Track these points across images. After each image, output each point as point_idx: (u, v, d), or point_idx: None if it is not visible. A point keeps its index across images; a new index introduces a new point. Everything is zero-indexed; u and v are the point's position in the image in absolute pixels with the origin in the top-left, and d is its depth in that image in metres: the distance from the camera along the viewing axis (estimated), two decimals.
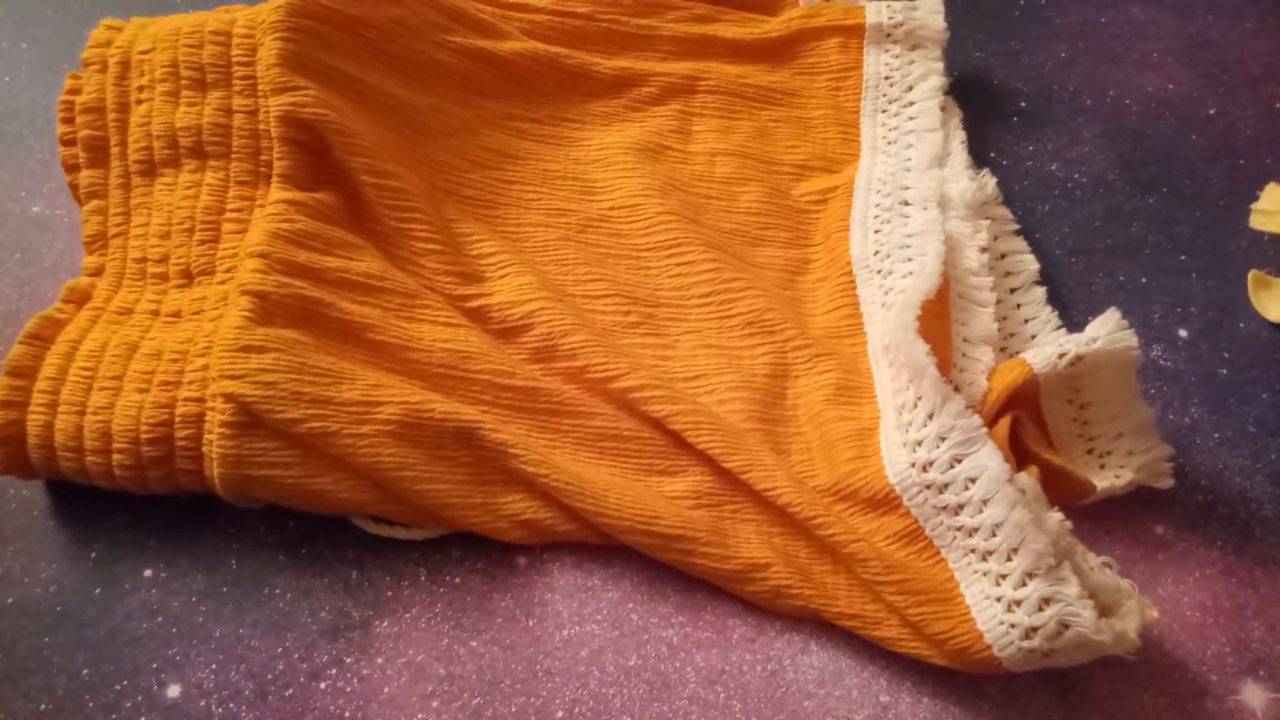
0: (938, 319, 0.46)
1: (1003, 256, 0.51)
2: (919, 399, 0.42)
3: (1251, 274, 0.52)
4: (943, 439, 0.41)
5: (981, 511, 0.40)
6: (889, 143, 0.53)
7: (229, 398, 0.40)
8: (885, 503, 0.42)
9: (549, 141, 0.52)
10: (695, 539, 0.42)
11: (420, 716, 0.40)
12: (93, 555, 0.43)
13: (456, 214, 0.48)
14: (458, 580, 0.43)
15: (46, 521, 0.43)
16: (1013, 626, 0.38)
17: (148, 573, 0.43)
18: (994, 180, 0.52)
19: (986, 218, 0.51)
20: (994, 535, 0.39)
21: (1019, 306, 0.49)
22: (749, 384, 0.46)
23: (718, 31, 0.55)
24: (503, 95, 0.52)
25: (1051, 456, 0.44)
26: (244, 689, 0.40)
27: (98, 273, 0.46)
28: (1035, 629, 0.38)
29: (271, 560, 0.43)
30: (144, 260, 0.46)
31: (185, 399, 0.41)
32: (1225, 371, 0.50)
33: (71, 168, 0.47)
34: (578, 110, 0.53)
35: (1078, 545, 0.40)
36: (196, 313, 0.44)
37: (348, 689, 0.40)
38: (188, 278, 0.45)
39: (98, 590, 0.42)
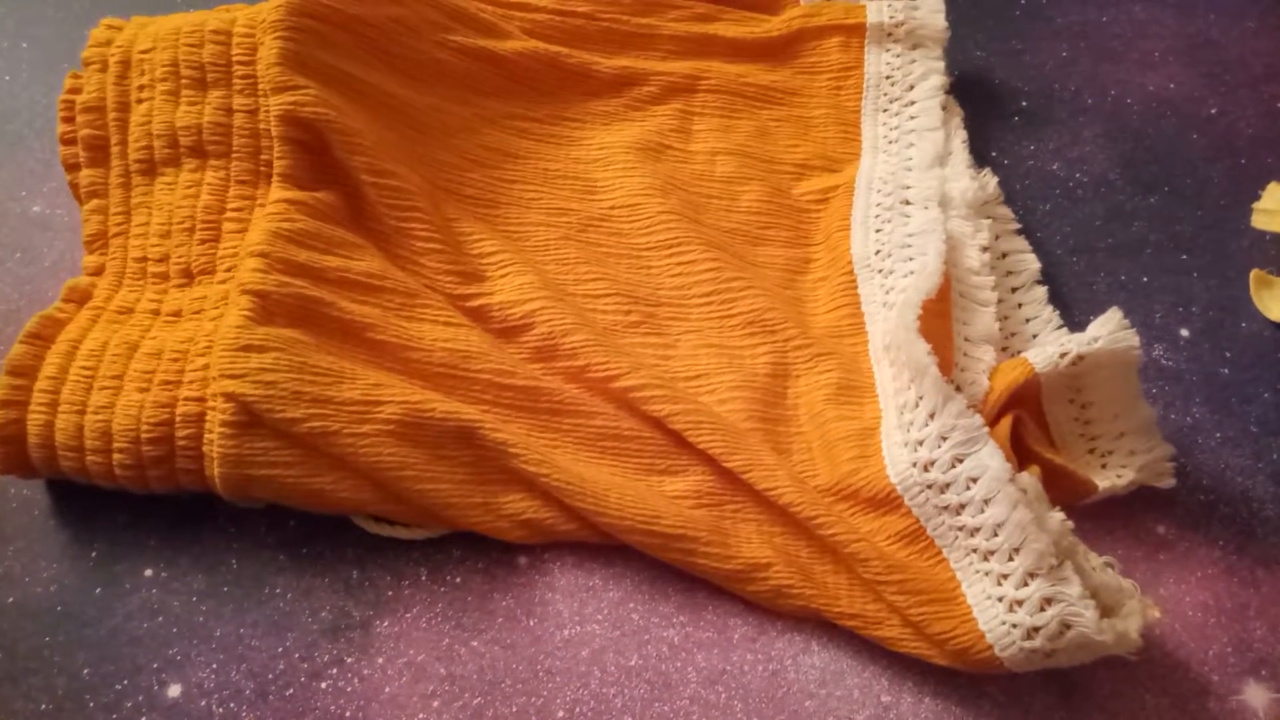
0: (939, 318, 0.46)
1: (1004, 256, 0.51)
2: (920, 398, 0.42)
3: (1253, 273, 0.52)
4: (944, 438, 0.41)
5: (983, 511, 0.39)
6: (890, 142, 0.53)
7: (229, 397, 0.40)
8: (886, 502, 0.42)
9: (550, 141, 0.52)
10: (696, 539, 0.42)
11: (421, 716, 0.40)
12: (93, 555, 0.43)
13: (457, 213, 0.48)
14: (458, 580, 0.43)
15: (47, 521, 0.43)
16: (1014, 626, 0.38)
17: (148, 572, 0.42)
18: (995, 179, 0.52)
19: (988, 217, 0.51)
20: (996, 535, 0.39)
21: (1020, 306, 0.49)
22: (750, 383, 0.46)
23: (718, 30, 0.55)
24: (503, 94, 0.52)
25: (1053, 456, 0.44)
26: (245, 689, 0.40)
27: (98, 272, 0.46)
28: (1037, 629, 0.38)
29: (272, 560, 0.43)
30: (144, 259, 0.46)
31: (186, 398, 0.41)
32: (1227, 371, 0.49)
33: (72, 167, 0.47)
34: (578, 109, 0.53)
35: (1079, 545, 0.40)
36: (197, 312, 0.44)
37: (348, 689, 0.40)
38: (188, 277, 0.45)
39: (98, 590, 0.42)
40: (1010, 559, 0.39)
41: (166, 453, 0.41)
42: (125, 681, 0.40)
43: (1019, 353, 0.46)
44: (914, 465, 0.41)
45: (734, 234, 0.50)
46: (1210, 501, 0.46)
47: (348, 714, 0.40)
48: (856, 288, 0.48)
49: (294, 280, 0.43)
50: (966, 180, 0.50)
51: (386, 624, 0.42)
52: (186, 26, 0.47)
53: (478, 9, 0.52)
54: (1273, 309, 0.51)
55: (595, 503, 0.42)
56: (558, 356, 0.45)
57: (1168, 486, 0.44)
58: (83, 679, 0.40)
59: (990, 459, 0.40)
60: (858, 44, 0.55)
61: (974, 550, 0.40)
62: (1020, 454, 0.43)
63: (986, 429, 0.41)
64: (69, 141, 0.47)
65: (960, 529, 0.40)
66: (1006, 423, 0.43)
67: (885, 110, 0.54)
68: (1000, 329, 0.47)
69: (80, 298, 0.45)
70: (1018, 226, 0.52)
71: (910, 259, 0.47)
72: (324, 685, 0.40)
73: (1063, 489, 0.43)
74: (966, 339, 0.46)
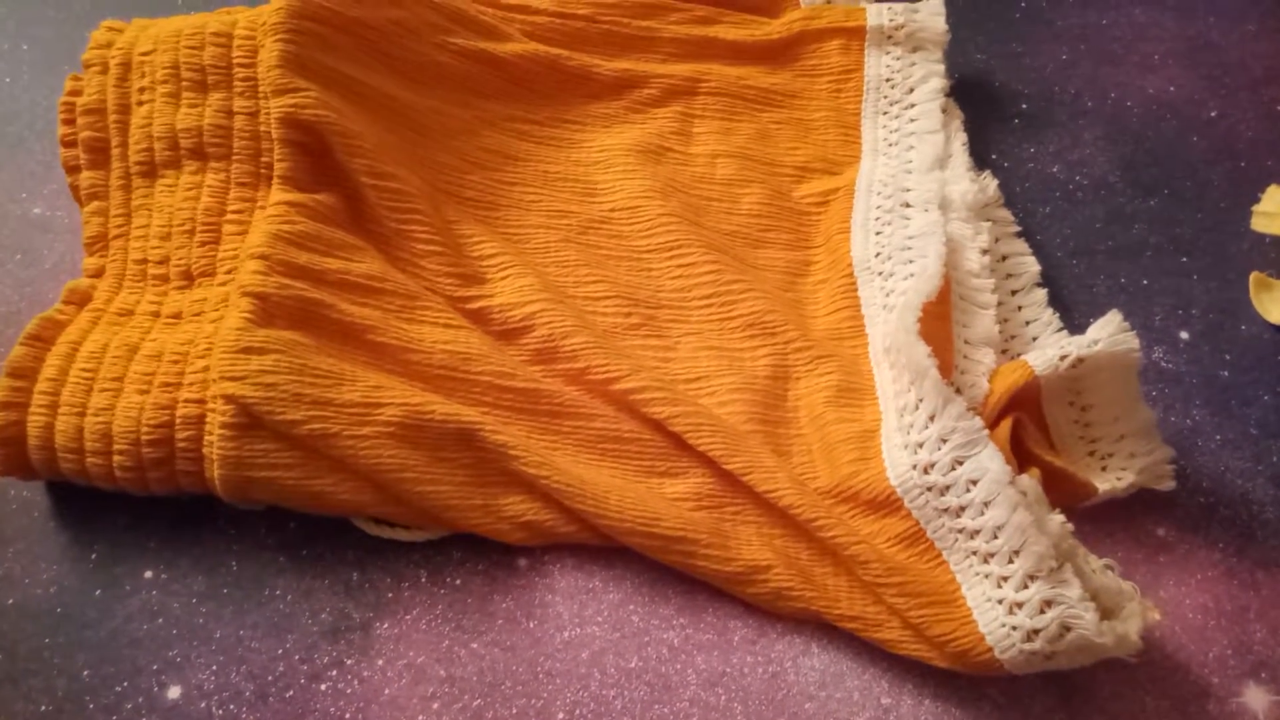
0: (939, 321, 0.46)
1: (1004, 258, 0.51)
2: (920, 401, 0.42)
3: (1253, 276, 0.52)
4: (944, 441, 0.41)
5: (983, 514, 0.39)
6: (890, 144, 0.53)
7: (229, 399, 0.40)
8: (886, 505, 0.42)
9: (550, 143, 0.52)
10: (696, 541, 0.42)
11: (421, 718, 0.40)
12: (93, 556, 0.43)
13: (457, 215, 0.48)
14: (458, 582, 0.43)
15: (47, 523, 0.43)
16: (1014, 629, 0.38)
17: (148, 574, 0.42)
18: (995, 182, 0.52)
19: (988, 219, 0.51)
20: (995, 537, 0.39)
21: (1020, 308, 0.49)
22: (750, 386, 0.46)
23: (719, 33, 0.55)
24: (503, 97, 0.52)
25: (1053, 459, 0.44)
26: (244, 690, 0.40)
27: (98, 274, 0.46)
28: (1037, 631, 0.38)
29: (272, 562, 0.43)
30: (144, 262, 0.46)
31: (186, 400, 0.41)
32: (1227, 373, 0.49)
33: (72, 169, 0.47)
34: (578, 112, 0.53)
35: (1079, 547, 0.40)
36: (197, 314, 0.44)
37: (348, 690, 0.40)
38: (188, 279, 0.45)
39: (98, 591, 0.42)
40: (1010, 561, 0.39)
41: (166, 455, 0.41)
42: (125, 683, 0.40)
43: (1019, 355, 0.46)
44: (914, 467, 0.41)
45: (734, 236, 0.50)
46: (1210, 504, 0.46)
47: (347, 716, 0.40)
48: (856, 290, 0.48)
49: (294, 282, 0.43)
50: (966, 183, 0.51)
51: (386, 626, 0.42)
52: (187, 29, 0.47)
53: (478, 11, 0.52)
54: (1272, 311, 0.51)
55: (595, 505, 0.42)
56: (558, 359, 0.45)
57: (1168, 489, 0.44)
58: (83, 680, 0.40)
59: (990, 461, 0.40)
60: (858, 47, 0.55)
61: (974, 552, 0.40)
62: (1020, 456, 0.43)
63: (986, 431, 0.41)
64: (69, 144, 0.47)
65: (960, 531, 0.40)
66: (1006, 425, 0.43)
67: (885, 113, 0.54)
68: (1000, 331, 0.47)
69: (80, 300, 0.45)
70: (1018, 229, 0.52)
71: (910, 261, 0.47)
72: (324, 687, 0.40)
73: (1063, 491, 0.43)
74: (966, 341, 0.46)
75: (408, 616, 0.42)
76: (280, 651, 0.41)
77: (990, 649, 0.38)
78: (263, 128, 0.46)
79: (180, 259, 0.45)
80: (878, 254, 0.49)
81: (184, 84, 0.47)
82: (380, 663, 0.41)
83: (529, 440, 0.43)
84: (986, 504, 0.39)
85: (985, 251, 0.48)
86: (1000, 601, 0.39)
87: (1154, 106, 0.58)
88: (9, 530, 0.43)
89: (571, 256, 0.49)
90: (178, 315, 0.44)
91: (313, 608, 0.42)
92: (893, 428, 0.43)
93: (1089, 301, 0.51)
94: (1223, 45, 0.61)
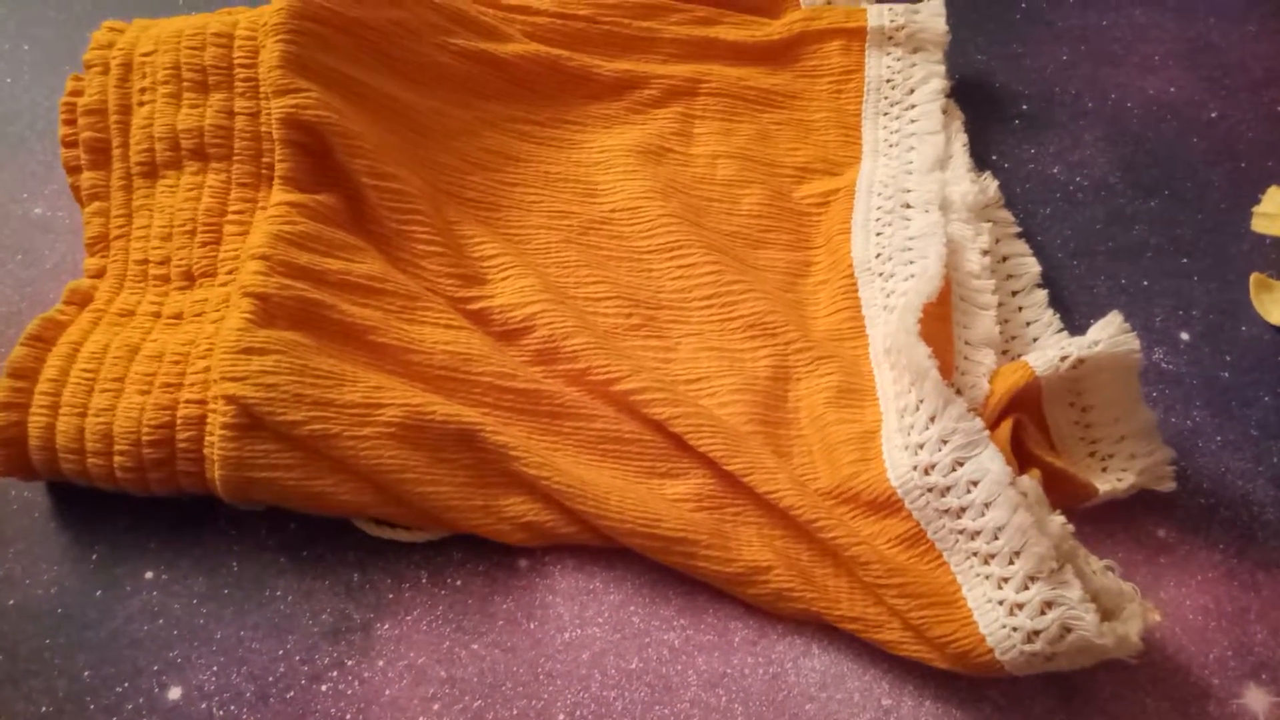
0: (939, 322, 0.46)
1: (1004, 259, 0.51)
2: (921, 402, 0.42)
3: (1253, 277, 0.52)
4: (945, 442, 0.41)
5: (983, 515, 0.39)
6: (890, 145, 0.53)
7: (230, 400, 0.40)
8: (887, 506, 0.42)
9: (550, 144, 0.52)
10: (697, 542, 0.42)
11: (421, 719, 0.40)
12: (94, 557, 0.43)
13: (458, 216, 0.48)
14: (459, 583, 0.43)
15: (48, 523, 0.43)
16: (1015, 630, 0.38)
17: (149, 574, 0.42)
18: (995, 183, 0.52)
19: (988, 220, 0.51)
20: (996, 538, 0.39)
21: (1021, 309, 0.49)
22: (750, 386, 0.46)
23: (719, 34, 0.55)
24: (504, 97, 0.52)
25: (1053, 459, 0.44)
26: (245, 691, 0.40)
27: (99, 274, 0.46)
28: (1037, 632, 0.38)
29: (273, 562, 0.43)
30: (145, 262, 0.46)
31: (187, 401, 0.41)
32: (1227, 374, 0.49)
33: (73, 169, 0.47)
34: (579, 113, 0.53)
35: (1080, 548, 0.40)
36: (198, 315, 0.44)
37: (349, 691, 0.40)
38: (189, 280, 0.45)
39: (99, 592, 0.42)
40: (1011, 562, 0.39)
41: (167, 455, 0.41)
42: (126, 684, 0.40)
43: (1019, 356, 0.46)
44: (914, 468, 0.41)
45: (735, 237, 0.50)
46: (1211, 505, 0.46)
47: (348, 717, 0.40)
48: (857, 291, 0.48)
49: (295, 283, 0.43)
50: (967, 184, 0.51)
51: (387, 627, 0.42)
52: (188, 29, 0.47)
53: (479, 12, 0.52)
54: (1273, 312, 0.51)
55: (596, 506, 0.42)
56: (558, 359, 0.45)
57: (1168, 490, 0.44)
58: (83, 681, 0.40)
59: (991, 462, 0.40)
60: (858, 48, 0.55)
61: (974, 554, 0.40)
62: (1021, 457, 0.43)
63: (987, 432, 0.41)
64: (70, 144, 0.47)
65: (961, 532, 0.40)
66: (1007, 426, 0.43)
67: (886, 114, 0.54)
68: (1001, 332, 0.47)
69: (81, 300, 0.45)
70: (1018, 230, 0.52)
71: (911, 262, 0.47)
72: (324, 688, 0.40)
73: (1063, 492, 0.43)
74: (967, 342, 0.46)
75: (408, 617, 0.42)
76: (281, 652, 0.41)
77: (991, 650, 0.38)
78: (264, 128, 0.46)
79: (181, 259, 0.45)
80: (878, 255, 0.49)
81: (185, 84, 0.47)
82: (381, 663, 0.41)
83: (530, 441, 0.43)
84: (987, 505, 0.39)
85: (986, 252, 0.48)
86: (1001, 603, 0.39)
87: (1154, 107, 0.58)
88: (10, 531, 0.43)
89: (572, 257, 0.49)
90: (179, 316, 0.44)
91: (313, 608, 0.42)
92: (893, 429, 0.43)
93: (1089, 302, 0.51)
94: (1223, 46, 0.61)
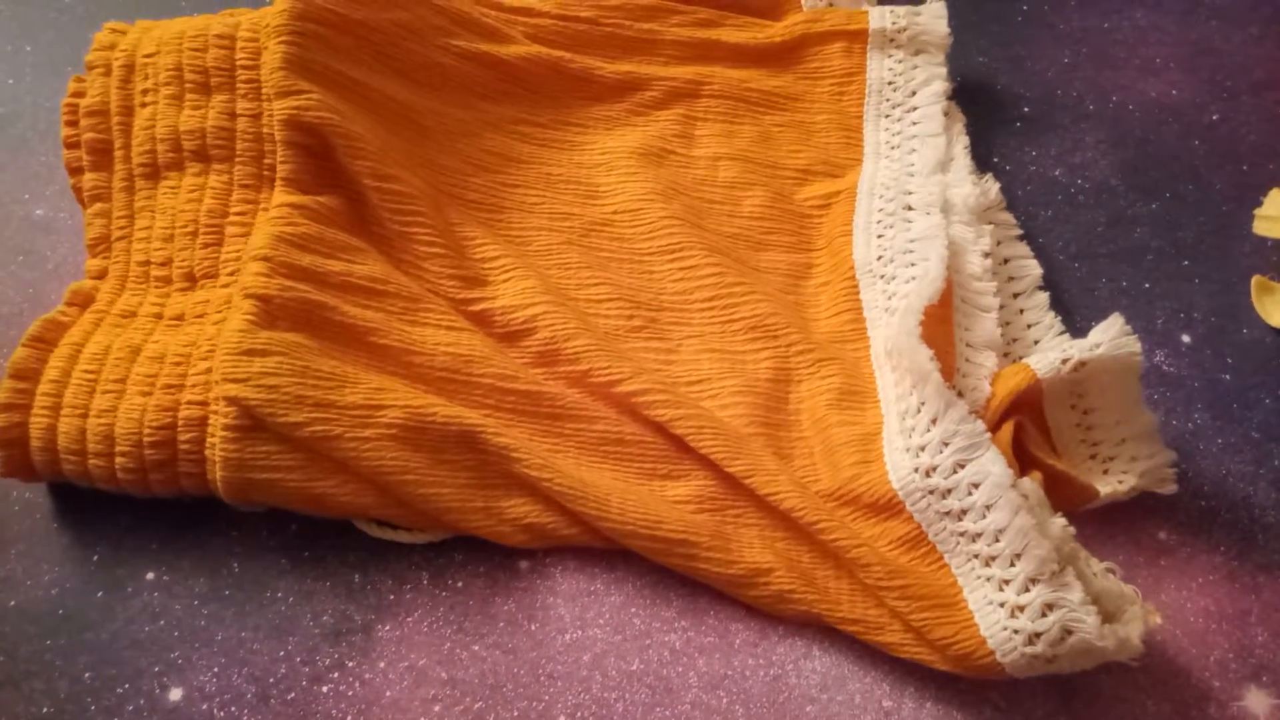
0: (941, 324, 0.46)
1: (1005, 261, 0.51)
2: (922, 404, 0.42)
3: (1254, 279, 0.52)
4: (946, 444, 0.41)
5: (985, 517, 0.39)
6: (892, 148, 0.53)
7: (232, 401, 0.40)
8: (888, 508, 0.42)
9: (552, 145, 0.52)
10: (698, 543, 0.42)
11: None
12: (95, 558, 0.43)
13: (459, 218, 0.48)
14: (460, 584, 0.43)
15: (49, 524, 0.43)
16: (1016, 632, 0.38)
17: (150, 575, 0.43)
18: (997, 185, 0.52)
19: (989, 223, 0.51)
20: (997, 541, 0.39)
21: (1022, 311, 0.49)
22: (752, 388, 0.46)
23: (721, 36, 0.55)
24: (506, 99, 0.52)
25: (1055, 462, 0.44)
26: (246, 692, 0.40)
27: (101, 276, 0.46)
28: (1038, 635, 0.38)
29: (274, 563, 0.43)
30: (147, 263, 0.46)
31: (188, 402, 0.41)
32: (1228, 377, 0.49)
33: (75, 170, 0.47)
34: (581, 114, 0.53)
35: (1081, 551, 0.40)
36: (199, 316, 0.44)
37: (350, 693, 0.40)
38: (191, 281, 0.45)
39: (100, 593, 0.42)
40: (1012, 565, 0.39)
41: (169, 456, 0.41)
42: (127, 685, 0.40)
43: (1021, 358, 0.46)
44: (916, 471, 0.41)
45: (736, 239, 0.50)
46: (1211, 507, 0.46)
47: (349, 718, 0.40)
48: (858, 293, 0.48)
49: (297, 284, 0.43)
50: (968, 186, 0.51)
51: (388, 628, 0.42)
52: (190, 30, 0.47)
53: (481, 13, 0.52)
54: (1274, 315, 0.51)
55: (597, 507, 0.42)
56: (560, 361, 0.45)
57: (1169, 492, 0.44)
58: (84, 682, 0.40)
59: (992, 465, 0.40)
60: (860, 50, 0.55)
61: (976, 556, 0.40)
62: (1022, 460, 0.43)
63: (988, 435, 0.41)
64: (72, 145, 0.47)
65: (962, 534, 0.40)
66: (1008, 428, 0.43)
67: (887, 116, 0.54)
68: (1002, 334, 0.47)
69: (83, 301, 0.45)
70: (1019, 232, 0.52)
71: (912, 264, 0.47)
72: (325, 689, 0.40)
73: (1064, 495, 0.43)
74: (968, 344, 0.46)
75: (409, 619, 0.42)
76: (282, 653, 0.41)
77: (992, 652, 0.38)
78: (266, 130, 0.46)
79: (183, 261, 0.45)
80: (879, 257, 0.49)
81: (187, 86, 0.47)
82: (382, 665, 0.41)
83: (531, 443, 0.43)
84: (988, 507, 0.39)
85: (987, 254, 0.48)
86: (1002, 605, 0.39)
87: (1156, 110, 0.58)
88: (11, 532, 0.43)
89: (574, 259, 0.49)
90: (180, 317, 0.44)
91: (314, 610, 0.42)
92: (894, 431, 0.43)
93: (1091, 305, 0.51)
94: (1224, 49, 0.61)
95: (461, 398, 0.44)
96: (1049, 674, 0.39)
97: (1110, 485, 0.44)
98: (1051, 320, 0.49)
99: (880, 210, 0.50)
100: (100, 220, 0.46)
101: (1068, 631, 0.37)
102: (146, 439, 0.41)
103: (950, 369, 0.45)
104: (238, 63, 0.46)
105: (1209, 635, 0.43)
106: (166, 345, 0.43)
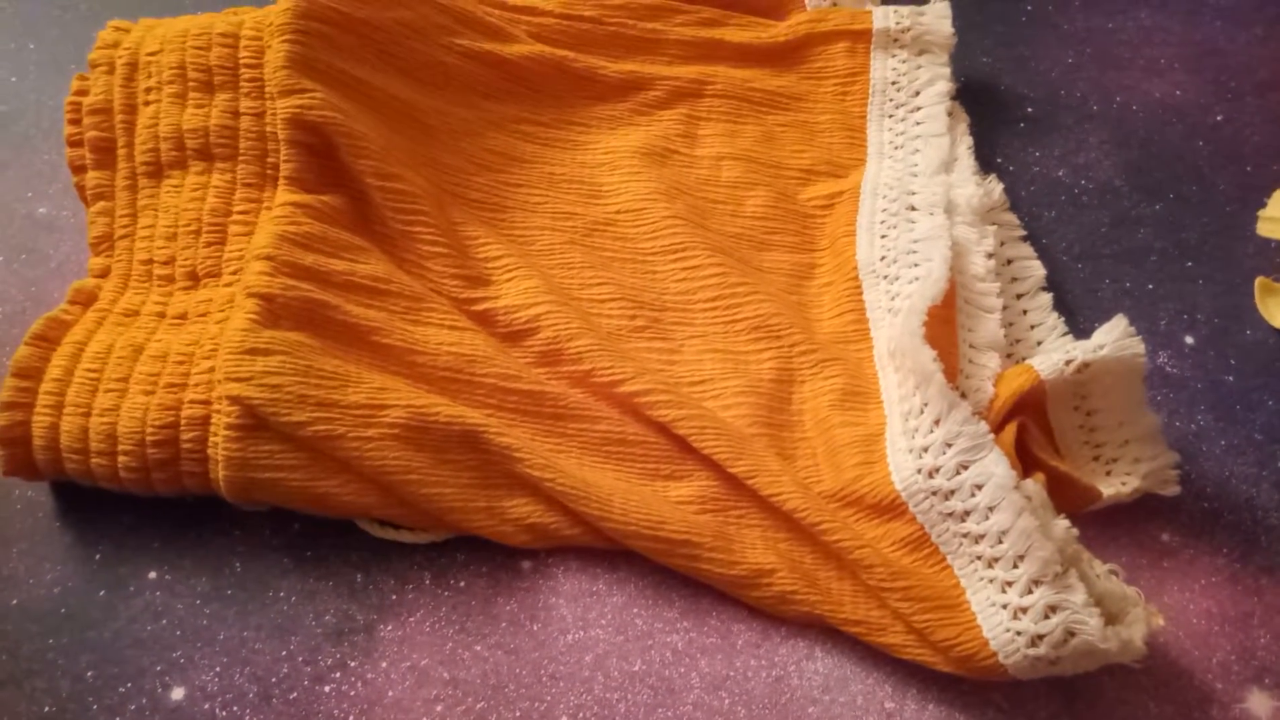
0: (944, 324, 0.46)
1: (1009, 262, 0.51)
2: (925, 405, 0.42)
3: (1258, 281, 0.52)
4: (949, 445, 0.41)
5: (988, 518, 0.39)
6: (895, 148, 0.53)
7: (234, 400, 0.40)
8: (891, 509, 0.42)
9: (555, 145, 0.52)
10: (700, 544, 0.42)
11: None
12: (97, 557, 0.43)
13: (463, 217, 0.48)
14: (462, 584, 0.43)
15: (51, 523, 0.43)
16: (1019, 634, 0.38)
17: (152, 575, 0.43)
18: (1000, 186, 0.52)
19: (993, 223, 0.51)
20: (1000, 542, 0.39)
21: (1025, 312, 0.49)
22: (755, 389, 0.46)
23: (725, 36, 0.55)
24: (509, 98, 0.52)
25: (1058, 463, 0.43)
26: (248, 692, 0.40)
27: (104, 274, 0.46)
28: (1041, 636, 0.38)
29: (276, 563, 0.43)
30: (150, 262, 0.46)
31: (191, 401, 0.41)
32: (1232, 379, 0.49)
33: (78, 169, 0.47)
34: (584, 114, 0.53)
35: (1084, 552, 0.40)
36: (202, 315, 0.44)
37: (352, 692, 0.40)
38: (194, 280, 0.45)
39: (102, 592, 0.42)
40: (1015, 566, 0.39)
41: (171, 455, 0.41)
42: (129, 684, 0.40)
43: (1024, 359, 0.46)
44: (919, 472, 0.41)
45: (739, 239, 0.50)
46: (1214, 509, 0.46)
47: (351, 718, 0.40)
48: (861, 293, 0.48)
49: (300, 283, 0.43)
50: (972, 186, 0.50)
51: (390, 628, 0.42)
52: (194, 29, 0.47)
53: (484, 13, 0.52)
54: (1278, 316, 0.51)
55: (600, 508, 0.42)
56: (562, 361, 0.45)
57: (1172, 494, 0.44)
58: (86, 681, 0.40)
59: (995, 466, 0.40)
60: (864, 50, 0.55)
61: (978, 557, 0.40)
62: (1025, 461, 0.43)
63: (991, 436, 0.40)
64: (75, 143, 0.47)
65: (965, 536, 0.40)
66: (1011, 430, 0.43)
67: (891, 116, 0.54)
68: (1005, 335, 0.47)
69: (86, 300, 0.45)
70: (1023, 233, 0.52)
71: (915, 265, 0.47)
72: (327, 689, 0.40)
73: (1067, 496, 0.43)
74: (971, 345, 0.46)
75: (411, 618, 0.42)
76: (284, 653, 0.41)
77: (994, 654, 0.38)
78: (269, 128, 0.46)
79: (186, 259, 0.45)
80: (883, 257, 0.49)
81: (190, 84, 0.47)
82: (384, 665, 0.41)
83: (533, 443, 0.43)
84: (991, 509, 0.39)
85: (990, 255, 0.48)
86: (1005, 606, 0.39)
87: (1160, 111, 0.58)
88: (13, 530, 0.43)
89: (576, 258, 0.49)
90: (183, 316, 0.44)
91: (316, 609, 0.42)
92: (897, 432, 0.43)
93: (1094, 306, 0.51)
94: (1229, 50, 0.61)
95: (464, 397, 0.44)
96: (1051, 676, 0.39)
97: (1113, 487, 0.44)
98: (1055, 321, 0.49)
99: (884, 210, 0.50)
100: (103, 219, 0.46)
101: (1070, 633, 0.37)
102: (149, 438, 0.41)
103: (953, 370, 0.45)
104: (241, 61, 0.46)
105: (1211, 637, 0.43)
106: (169, 344, 0.43)
